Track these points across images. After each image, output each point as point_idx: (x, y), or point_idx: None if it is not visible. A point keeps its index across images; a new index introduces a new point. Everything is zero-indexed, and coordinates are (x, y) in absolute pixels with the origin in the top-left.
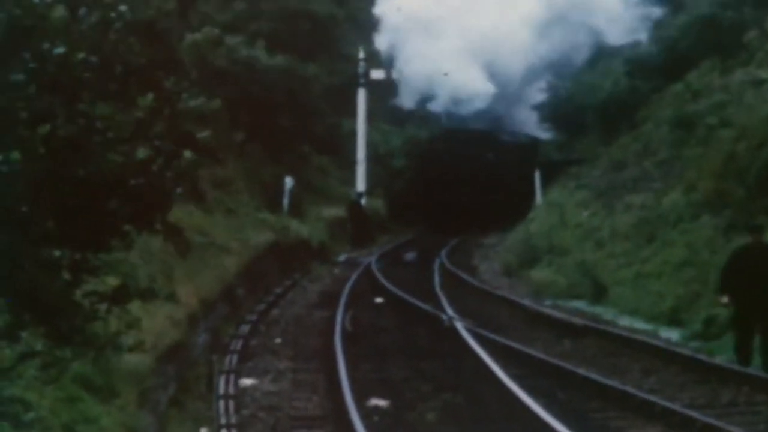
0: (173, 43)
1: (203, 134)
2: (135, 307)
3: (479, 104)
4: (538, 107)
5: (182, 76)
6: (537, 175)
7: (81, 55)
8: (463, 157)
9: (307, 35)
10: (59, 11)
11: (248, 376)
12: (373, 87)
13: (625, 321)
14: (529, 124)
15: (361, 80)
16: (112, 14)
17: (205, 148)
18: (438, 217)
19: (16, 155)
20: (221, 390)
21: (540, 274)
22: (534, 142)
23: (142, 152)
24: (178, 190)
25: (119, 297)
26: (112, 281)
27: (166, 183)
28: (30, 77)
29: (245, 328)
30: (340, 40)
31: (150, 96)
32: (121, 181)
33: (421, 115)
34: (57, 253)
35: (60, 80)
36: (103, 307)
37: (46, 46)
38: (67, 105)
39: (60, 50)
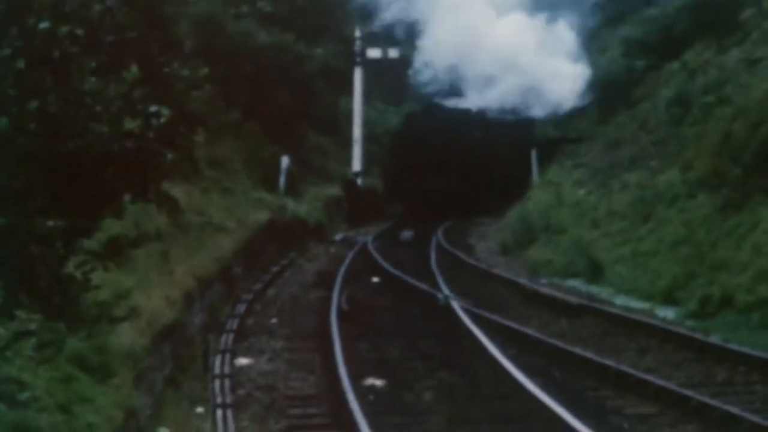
0: (169, 18)
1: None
2: (131, 285)
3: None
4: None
5: (177, 50)
6: (533, 155)
7: (66, 29)
8: (444, 135)
9: (305, 14)
10: None
11: (244, 355)
12: (370, 66)
13: (621, 300)
14: (524, 103)
15: (358, 59)
16: None
17: (195, 117)
18: (419, 201)
19: (4, 121)
20: (217, 369)
21: (537, 252)
22: (529, 121)
23: (128, 122)
24: (169, 155)
25: (111, 250)
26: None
27: (152, 145)
28: (16, 52)
29: (241, 308)
30: (337, 18)
31: (134, 69)
32: (110, 151)
33: (419, 93)
34: (50, 223)
35: (48, 55)
36: (98, 273)
37: (31, 21)
38: (56, 79)
39: (46, 25)
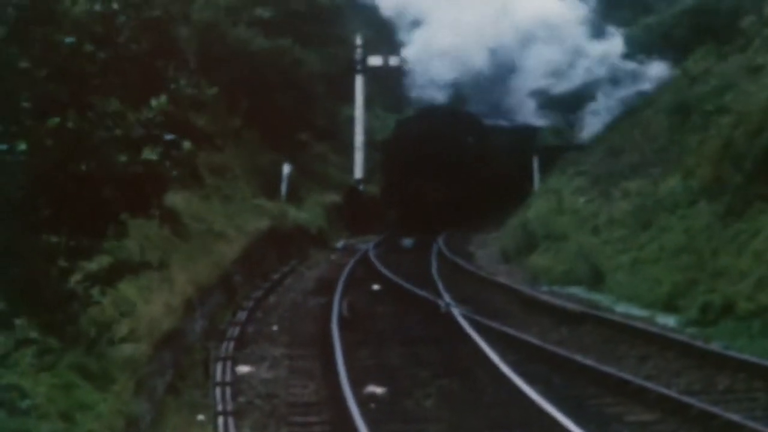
0: (174, 33)
1: (200, 122)
2: (132, 293)
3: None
4: (536, 93)
5: (182, 64)
6: (535, 162)
7: (90, 48)
8: (438, 142)
9: (305, 20)
10: (67, 3)
11: (245, 363)
12: (372, 73)
13: (621, 307)
14: (527, 110)
15: (359, 67)
16: (115, 5)
17: (203, 135)
18: (412, 211)
19: (22, 146)
20: (218, 377)
21: (537, 260)
22: (531, 129)
23: (147, 152)
24: (174, 173)
25: (112, 276)
26: (106, 262)
27: (165, 171)
28: (36, 64)
29: (242, 315)
30: (338, 25)
31: (164, 98)
32: (123, 175)
33: (420, 100)
34: (54, 239)
35: (68, 70)
36: (96, 291)
37: (56, 37)
38: (73, 95)
39: (71, 40)
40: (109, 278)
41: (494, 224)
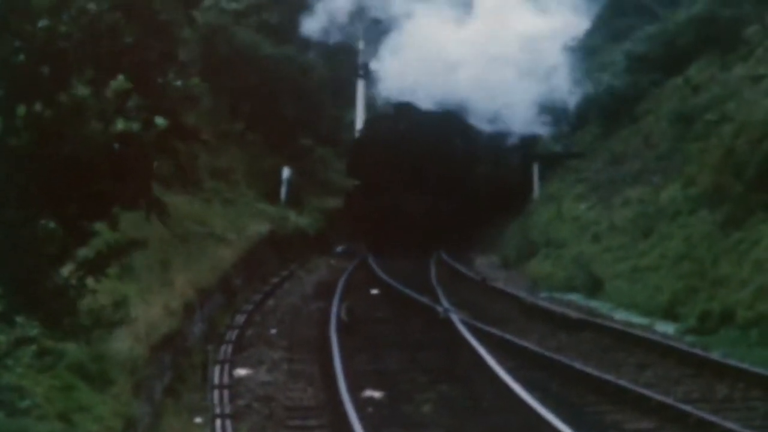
0: (174, 33)
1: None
2: (132, 294)
3: None
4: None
5: (174, 60)
6: (535, 169)
7: (63, 28)
8: (417, 143)
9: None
10: None
11: (243, 366)
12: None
13: (621, 314)
14: (527, 117)
15: (360, 71)
16: None
17: (190, 129)
18: (384, 228)
19: None
20: (216, 380)
21: (537, 266)
22: (529, 135)
23: (121, 123)
24: (155, 162)
25: (101, 262)
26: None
27: (147, 151)
28: (16, 50)
29: (241, 318)
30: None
31: (121, 78)
32: (105, 154)
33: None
34: (50, 224)
35: (47, 52)
36: (90, 281)
37: (29, 28)
38: (54, 79)
39: (45, 22)
40: (98, 264)
41: (492, 236)
